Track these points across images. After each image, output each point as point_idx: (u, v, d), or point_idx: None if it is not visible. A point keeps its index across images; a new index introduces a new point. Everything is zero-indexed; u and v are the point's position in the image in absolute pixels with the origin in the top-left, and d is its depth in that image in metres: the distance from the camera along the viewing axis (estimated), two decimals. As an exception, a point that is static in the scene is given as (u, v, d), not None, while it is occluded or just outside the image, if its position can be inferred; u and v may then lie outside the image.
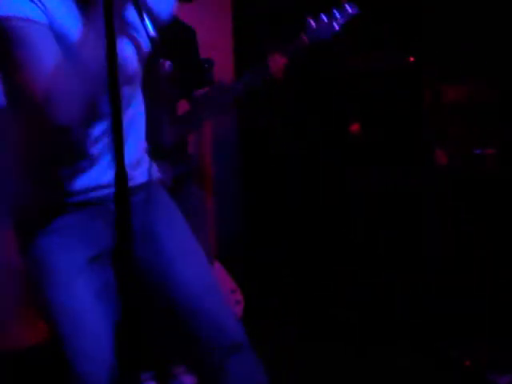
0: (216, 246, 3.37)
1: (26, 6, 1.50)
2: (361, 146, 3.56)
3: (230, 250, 3.62)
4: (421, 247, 3.37)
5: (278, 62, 2.66)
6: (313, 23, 2.66)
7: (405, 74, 3.46)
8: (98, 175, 1.74)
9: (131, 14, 1.66)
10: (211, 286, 1.87)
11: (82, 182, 1.74)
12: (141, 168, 1.86)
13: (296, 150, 3.79)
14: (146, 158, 1.91)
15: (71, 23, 1.58)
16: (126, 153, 1.41)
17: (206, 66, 2.68)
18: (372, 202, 3.50)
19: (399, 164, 3.46)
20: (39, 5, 1.52)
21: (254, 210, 3.91)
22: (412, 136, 3.47)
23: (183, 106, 2.82)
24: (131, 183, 1.50)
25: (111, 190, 1.42)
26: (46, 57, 1.51)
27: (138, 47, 1.75)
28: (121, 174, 1.39)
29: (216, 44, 3.38)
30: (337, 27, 2.66)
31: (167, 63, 2.65)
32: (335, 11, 2.67)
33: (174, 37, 2.56)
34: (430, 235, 3.35)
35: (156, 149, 2.08)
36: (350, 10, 2.68)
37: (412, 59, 3.37)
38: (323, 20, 2.66)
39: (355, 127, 3.58)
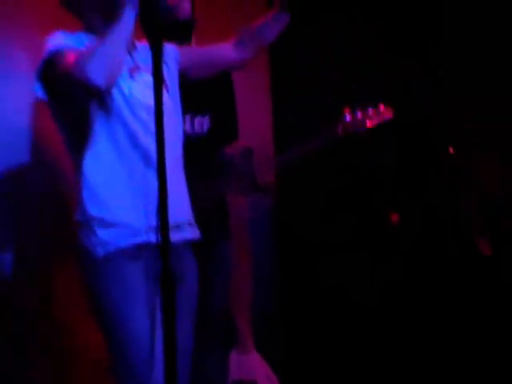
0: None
1: (70, 39, 2.03)
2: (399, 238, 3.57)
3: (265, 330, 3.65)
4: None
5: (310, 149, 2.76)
6: (348, 116, 2.77)
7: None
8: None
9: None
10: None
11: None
12: (183, 227, 2.10)
13: (333, 239, 3.79)
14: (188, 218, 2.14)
15: None
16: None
17: (246, 155, 2.72)
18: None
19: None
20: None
21: (288, 289, 3.92)
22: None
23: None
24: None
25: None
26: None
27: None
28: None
29: (256, 128, 3.47)
30: (369, 125, 2.79)
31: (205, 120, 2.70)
32: (370, 110, 2.79)
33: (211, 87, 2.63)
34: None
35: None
36: (384, 113, 2.82)
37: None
38: (358, 116, 2.78)
39: (395, 217, 3.58)
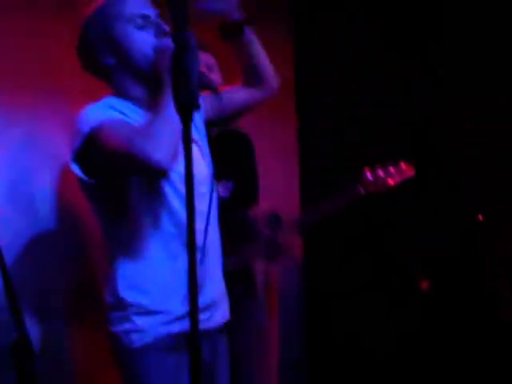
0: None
1: (108, 111, 1.83)
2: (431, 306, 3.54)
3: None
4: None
5: (332, 209, 2.78)
6: (369, 175, 2.78)
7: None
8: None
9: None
10: None
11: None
12: (216, 310, 1.99)
13: (350, 285, 3.79)
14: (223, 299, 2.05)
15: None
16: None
17: (274, 221, 2.73)
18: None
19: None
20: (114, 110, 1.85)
21: (316, 338, 3.91)
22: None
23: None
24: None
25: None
26: (129, 126, 1.81)
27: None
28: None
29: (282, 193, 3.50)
30: (391, 183, 2.80)
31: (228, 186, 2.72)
32: (391, 168, 2.81)
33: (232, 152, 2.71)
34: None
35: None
36: (405, 171, 2.84)
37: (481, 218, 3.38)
38: (379, 174, 2.78)
39: (425, 284, 3.58)
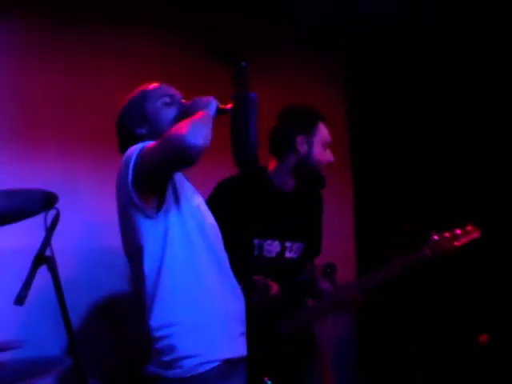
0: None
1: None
2: (489, 360, 3.43)
3: None
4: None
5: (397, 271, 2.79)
6: (436, 237, 2.81)
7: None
8: None
9: None
10: None
11: None
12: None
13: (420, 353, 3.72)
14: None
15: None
16: None
17: (328, 270, 2.78)
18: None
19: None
20: None
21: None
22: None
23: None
24: None
25: None
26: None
27: None
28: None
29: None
30: (458, 245, 2.83)
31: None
32: (458, 230, 2.84)
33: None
34: None
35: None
36: (472, 233, 2.87)
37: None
38: (446, 237, 2.83)
39: (484, 338, 3.51)
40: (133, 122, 2.29)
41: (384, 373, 3.79)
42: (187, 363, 2.03)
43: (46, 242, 2.13)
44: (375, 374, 3.84)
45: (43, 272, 2.11)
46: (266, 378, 2.45)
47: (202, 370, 2.03)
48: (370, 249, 3.29)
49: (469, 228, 2.89)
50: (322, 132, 2.79)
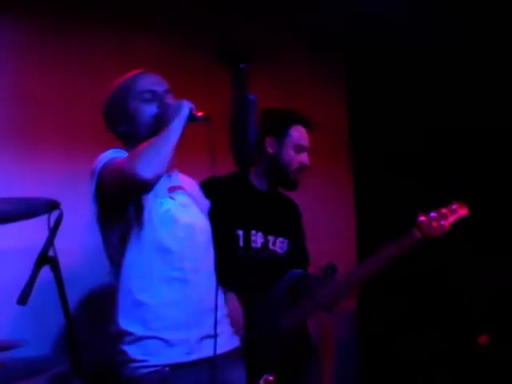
0: None
1: (115, 153, 2.21)
2: (490, 361, 3.41)
3: None
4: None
5: (388, 256, 2.78)
6: (423, 218, 2.79)
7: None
8: None
9: None
10: None
11: None
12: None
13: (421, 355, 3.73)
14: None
15: None
16: None
17: (329, 271, 2.77)
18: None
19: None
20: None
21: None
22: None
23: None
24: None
25: None
26: None
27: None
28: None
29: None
30: (446, 225, 2.80)
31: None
32: (444, 210, 2.83)
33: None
34: None
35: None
36: (458, 211, 2.84)
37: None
38: (433, 217, 2.80)
39: (484, 339, 3.49)
40: (114, 119, 2.32)
41: (385, 374, 3.79)
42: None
43: (49, 243, 2.14)
44: (377, 375, 3.85)
45: (46, 272, 2.13)
46: (270, 377, 2.46)
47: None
48: (372, 250, 3.29)
49: (455, 206, 2.85)
50: (295, 135, 2.82)
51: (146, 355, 2.12)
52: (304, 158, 2.83)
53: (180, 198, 2.29)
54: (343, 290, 2.76)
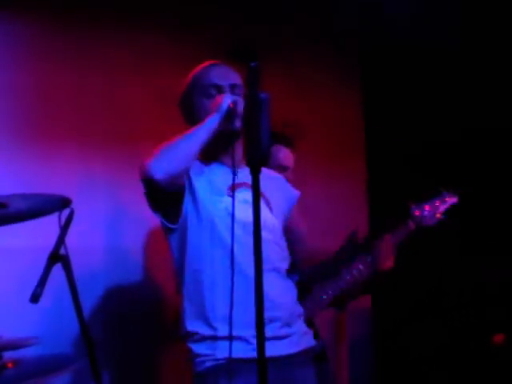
0: None
1: None
2: (505, 360, 3.38)
3: None
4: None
5: (387, 246, 2.78)
6: (416, 210, 2.84)
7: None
8: None
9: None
10: None
11: None
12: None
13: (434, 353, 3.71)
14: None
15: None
16: None
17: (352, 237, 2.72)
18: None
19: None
20: None
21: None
22: None
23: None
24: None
25: None
26: None
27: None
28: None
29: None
30: (439, 215, 2.86)
31: None
32: (435, 200, 2.88)
33: None
34: None
35: None
36: (449, 199, 2.90)
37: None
38: (426, 208, 2.86)
39: (499, 338, 3.47)
40: (185, 115, 2.28)
41: (400, 373, 3.77)
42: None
43: (61, 241, 2.14)
44: (391, 374, 3.82)
45: (58, 270, 2.13)
46: None
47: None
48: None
49: (445, 194, 2.91)
50: (276, 156, 2.83)
51: (212, 349, 2.10)
52: (287, 176, 2.81)
53: (242, 195, 2.18)
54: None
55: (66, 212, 2.14)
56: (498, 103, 3.56)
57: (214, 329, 2.10)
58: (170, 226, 2.16)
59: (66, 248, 2.14)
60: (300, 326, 2.28)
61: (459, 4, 3.43)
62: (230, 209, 2.12)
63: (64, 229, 2.14)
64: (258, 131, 1.70)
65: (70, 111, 3.02)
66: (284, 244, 2.32)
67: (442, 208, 2.88)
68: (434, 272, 3.69)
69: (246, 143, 1.76)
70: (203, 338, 2.12)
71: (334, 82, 3.77)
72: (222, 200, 2.18)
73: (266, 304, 1.89)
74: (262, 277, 1.61)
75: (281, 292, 2.20)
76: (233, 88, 2.22)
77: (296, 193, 2.46)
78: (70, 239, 2.15)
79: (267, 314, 1.82)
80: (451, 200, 2.91)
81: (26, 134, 2.94)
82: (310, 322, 2.78)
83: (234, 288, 2.05)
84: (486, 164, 3.62)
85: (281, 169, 2.84)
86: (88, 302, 2.73)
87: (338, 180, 3.74)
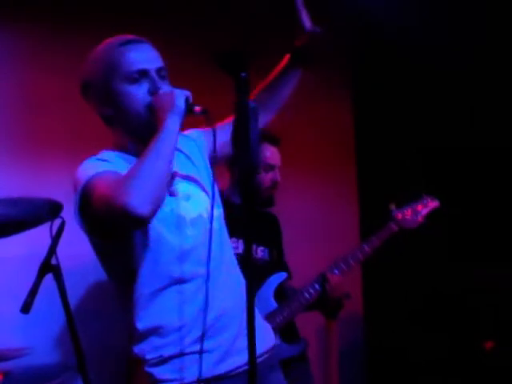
0: None
1: (99, 164, 1.82)
2: (496, 367, 3.36)
3: None
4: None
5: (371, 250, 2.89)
6: (397, 213, 2.94)
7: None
8: None
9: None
10: None
11: None
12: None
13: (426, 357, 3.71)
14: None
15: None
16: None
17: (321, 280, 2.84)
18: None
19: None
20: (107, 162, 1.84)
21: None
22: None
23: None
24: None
25: None
26: (117, 175, 1.76)
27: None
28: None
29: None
30: (420, 219, 2.96)
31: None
32: (416, 204, 2.98)
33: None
34: None
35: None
36: (429, 203, 2.99)
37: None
38: (407, 211, 2.96)
39: (489, 345, 3.46)
40: (95, 98, 1.91)
41: (391, 379, 3.78)
42: None
43: (52, 251, 2.14)
44: (382, 380, 3.83)
45: (49, 280, 2.12)
46: None
47: None
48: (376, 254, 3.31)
49: (426, 199, 3.00)
50: (263, 154, 2.84)
51: (175, 373, 1.84)
52: (275, 175, 2.87)
53: (181, 188, 1.91)
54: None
55: (57, 222, 2.14)
56: (488, 108, 3.57)
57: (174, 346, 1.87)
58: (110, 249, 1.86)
59: (57, 258, 2.13)
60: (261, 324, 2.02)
61: (449, 10, 3.44)
62: (176, 210, 1.85)
63: (55, 239, 2.14)
64: (248, 141, 1.70)
65: (60, 118, 3.01)
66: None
67: (424, 212, 2.95)
68: (426, 279, 3.70)
69: (236, 153, 1.75)
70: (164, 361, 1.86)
71: (325, 88, 3.78)
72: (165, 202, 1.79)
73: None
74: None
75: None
76: (159, 72, 1.88)
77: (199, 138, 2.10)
78: (61, 248, 2.15)
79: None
80: (432, 204, 2.99)
81: (16, 141, 2.93)
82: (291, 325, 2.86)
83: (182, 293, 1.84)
84: (476, 169, 3.64)
85: (268, 167, 2.86)
86: (79, 312, 2.71)
87: (329, 184, 3.76)
